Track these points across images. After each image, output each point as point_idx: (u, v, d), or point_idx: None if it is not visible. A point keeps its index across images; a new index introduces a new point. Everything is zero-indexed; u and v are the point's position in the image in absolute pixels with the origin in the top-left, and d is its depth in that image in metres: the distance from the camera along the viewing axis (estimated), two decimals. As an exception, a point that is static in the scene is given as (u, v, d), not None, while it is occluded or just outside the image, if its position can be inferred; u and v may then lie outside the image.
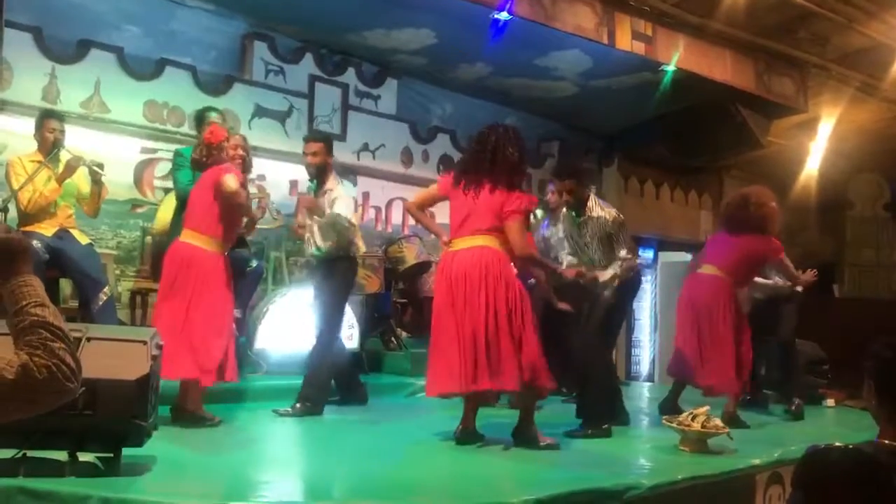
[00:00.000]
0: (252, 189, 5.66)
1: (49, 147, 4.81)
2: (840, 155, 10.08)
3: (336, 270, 4.80)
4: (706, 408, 4.12)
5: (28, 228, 4.64)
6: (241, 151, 4.32)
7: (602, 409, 4.48)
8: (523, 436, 3.92)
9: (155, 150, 6.47)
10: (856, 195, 11.73)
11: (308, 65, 7.41)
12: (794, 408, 5.54)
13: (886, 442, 1.99)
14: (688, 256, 10.35)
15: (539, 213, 6.26)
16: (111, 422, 2.71)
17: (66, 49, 6.12)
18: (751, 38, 7.77)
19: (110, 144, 6.18)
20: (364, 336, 6.17)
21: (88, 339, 2.71)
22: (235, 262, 4.61)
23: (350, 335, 5.82)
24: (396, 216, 7.97)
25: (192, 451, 3.51)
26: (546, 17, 6.51)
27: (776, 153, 9.68)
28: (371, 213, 7.83)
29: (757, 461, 3.79)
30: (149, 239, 6.23)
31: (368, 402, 5.26)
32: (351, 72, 7.68)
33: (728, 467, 3.65)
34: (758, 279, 5.67)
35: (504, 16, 6.22)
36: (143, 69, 6.45)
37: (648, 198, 10.24)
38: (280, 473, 3.39)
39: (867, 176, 11.63)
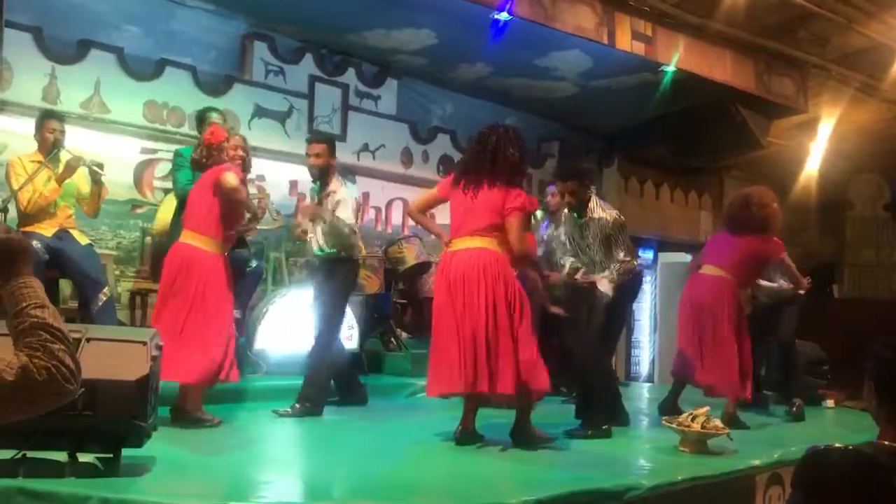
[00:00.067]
0: (252, 189, 5.67)
1: (49, 147, 4.81)
2: (840, 155, 10.09)
3: (337, 272, 4.81)
4: (706, 408, 4.12)
5: (28, 229, 4.64)
6: (240, 152, 4.32)
7: (602, 409, 4.48)
8: (522, 435, 3.93)
9: (155, 151, 6.46)
10: (856, 195, 11.73)
11: (308, 65, 7.41)
12: (794, 409, 5.54)
13: (886, 443, 1.99)
14: (688, 257, 10.34)
15: (539, 213, 6.26)
16: (111, 422, 2.71)
17: (66, 49, 6.12)
18: (751, 39, 7.78)
19: (110, 145, 6.18)
20: (364, 337, 6.17)
21: (88, 340, 2.70)
22: (235, 263, 4.61)
23: (350, 336, 5.83)
24: (396, 216, 7.97)
25: (192, 451, 3.50)
26: (546, 18, 6.51)
27: (776, 153, 9.68)
28: (371, 214, 7.83)
29: (757, 462, 3.79)
30: (148, 239, 6.23)
31: (368, 402, 5.26)
32: (351, 72, 7.68)
33: (728, 468, 3.65)
34: (763, 282, 5.66)
35: (504, 16, 6.23)
36: (143, 69, 6.45)
37: (648, 198, 10.24)
38: (280, 474, 3.39)
39: (867, 176, 11.64)
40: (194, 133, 5.62)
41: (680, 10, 7.19)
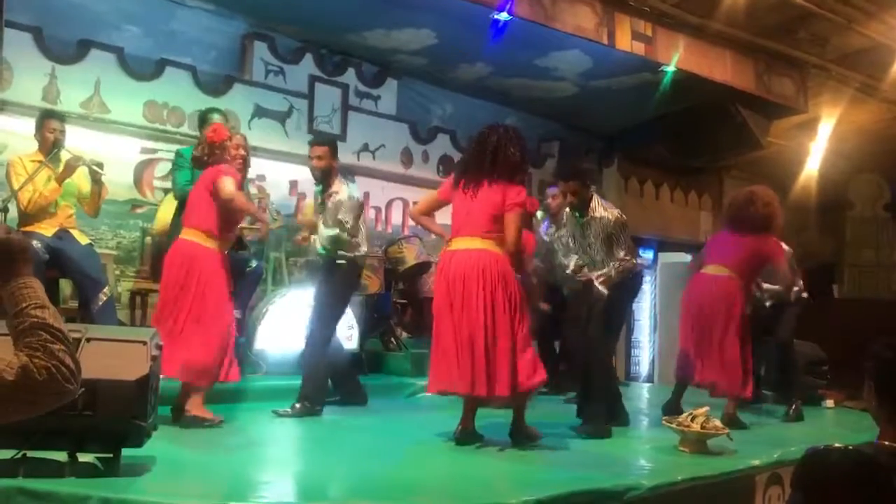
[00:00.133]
0: (252, 189, 5.68)
1: (49, 147, 4.81)
2: (840, 155, 10.09)
3: (338, 272, 4.81)
4: (706, 408, 4.12)
5: (28, 228, 4.64)
6: (241, 151, 4.33)
7: (602, 409, 4.48)
8: (520, 435, 3.94)
9: (155, 151, 6.46)
10: (856, 195, 11.74)
11: (308, 65, 7.41)
12: (792, 410, 5.53)
13: (886, 443, 1.99)
14: (688, 257, 10.33)
15: (539, 214, 6.27)
16: (111, 422, 2.71)
17: (66, 49, 6.12)
18: (751, 39, 7.78)
19: (110, 144, 6.17)
20: (364, 337, 6.17)
21: (88, 340, 2.70)
22: (235, 263, 4.62)
23: (350, 336, 5.83)
24: (396, 216, 7.98)
25: (192, 451, 3.51)
26: (546, 18, 6.51)
27: (776, 154, 9.68)
28: (371, 214, 7.83)
29: (756, 462, 3.79)
30: (148, 239, 6.23)
31: (368, 402, 5.26)
32: (351, 72, 7.67)
33: (728, 468, 3.65)
34: (767, 285, 5.65)
35: (504, 16, 6.22)
36: (143, 69, 6.45)
37: (648, 198, 10.24)
38: (280, 474, 3.39)
39: (867, 176, 11.64)
40: (194, 133, 5.63)
41: (680, 10, 7.19)
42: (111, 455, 2.80)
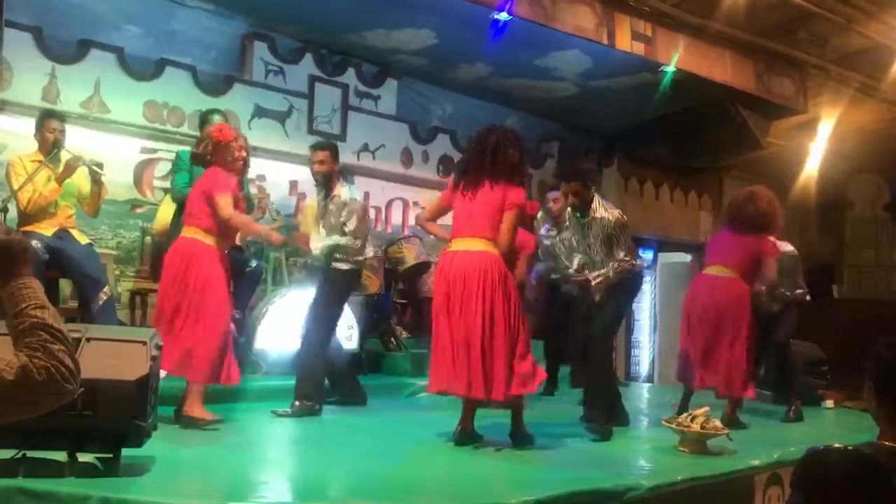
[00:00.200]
0: (252, 189, 5.68)
1: (49, 147, 4.81)
2: (840, 155, 10.08)
3: (339, 275, 4.81)
4: (705, 409, 4.12)
5: (28, 228, 4.64)
6: (244, 153, 4.34)
7: (602, 409, 4.47)
8: (519, 435, 3.95)
9: (155, 151, 6.46)
10: (856, 196, 11.74)
11: (308, 65, 7.40)
12: (792, 410, 5.53)
13: (886, 443, 1.99)
14: (687, 257, 10.36)
15: (539, 214, 6.27)
16: (111, 422, 2.71)
17: (66, 49, 6.11)
18: (751, 39, 7.78)
19: (110, 144, 6.17)
20: (364, 337, 6.17)
21: (88, 340, 2.71)
22: (235, 263, 4.62)
23: (350, 336, 5.83)
24: (396, 216, 7.98)
25: (192, 451, 3.51)
26: (546, 18, 6.51)
27: (776, 154, 9.68)
28: (371, 214, 7.83)
29: (756, 462, 3.80)
30: (148, 239, 6.24)
31: (368, 402, 5.26)
32: (351, 72, 7.67)
33: (727, 468, 3.66)
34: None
35: (504, 16, 6.22)
36: (143, 69, 6.45)
37: (648, 198, 10.24)
38: (279, 474, 3.39)
39: (867, 176, 11.64)
40: (194, 133, 5.62)
41: (680, 10, 7.19)
42: (111, 455, 2.80)
